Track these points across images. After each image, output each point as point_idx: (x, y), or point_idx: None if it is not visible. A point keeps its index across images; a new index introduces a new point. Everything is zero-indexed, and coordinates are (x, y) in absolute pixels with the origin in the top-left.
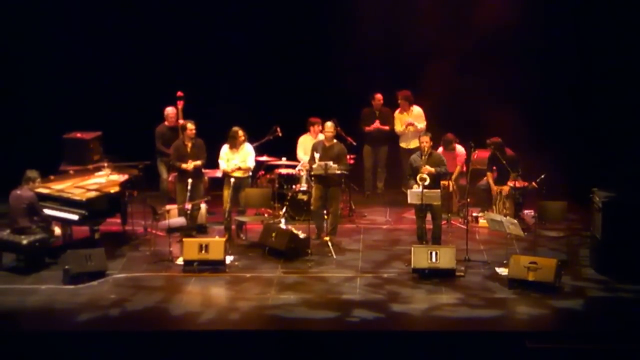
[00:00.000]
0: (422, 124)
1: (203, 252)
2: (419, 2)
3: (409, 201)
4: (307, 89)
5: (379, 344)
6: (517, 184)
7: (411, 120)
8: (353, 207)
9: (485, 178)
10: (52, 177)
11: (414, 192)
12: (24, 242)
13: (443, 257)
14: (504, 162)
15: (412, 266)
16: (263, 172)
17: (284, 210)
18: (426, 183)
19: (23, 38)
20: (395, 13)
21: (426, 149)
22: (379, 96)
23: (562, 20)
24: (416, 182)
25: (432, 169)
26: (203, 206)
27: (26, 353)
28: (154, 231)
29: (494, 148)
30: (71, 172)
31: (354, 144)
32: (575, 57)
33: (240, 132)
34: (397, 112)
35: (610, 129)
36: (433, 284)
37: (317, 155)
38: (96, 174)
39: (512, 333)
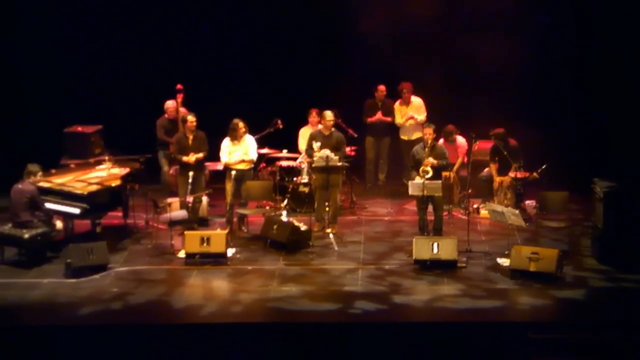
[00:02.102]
0: (421, 116)
1: (205, 244)
2: None
3: (410, 192)
4: (308, 80)
5: (381, 335)
6: (519, 175)
7: (411, 111)
8: (354, 199)
9: (487, 169)
10: (53, 171)
11: (415, 184)
12: (26, 236)
13: (444, 249)
14: (506, 153)
15: (414, 257)
16: (264, 165)
17: (285, 202)
18: (429, 176)
19: (24, 32)
20: (396, 3)
21: (429, 140)
22: (381, 87)
23: (563, 9)
24: (419, 174)
25: (435, 162)
26: (204, 199)
27: (28, 347)
28: (155, 224)
29: (498, 138)
30: (72, 165)
31: (355, 135)
32: (576, 46)
33: (241, 124)
34: (397, 103)
35: (612, 119)
36: (435, 275)
37: (317, 145)
38: (97, 167)
39: (514, 323)
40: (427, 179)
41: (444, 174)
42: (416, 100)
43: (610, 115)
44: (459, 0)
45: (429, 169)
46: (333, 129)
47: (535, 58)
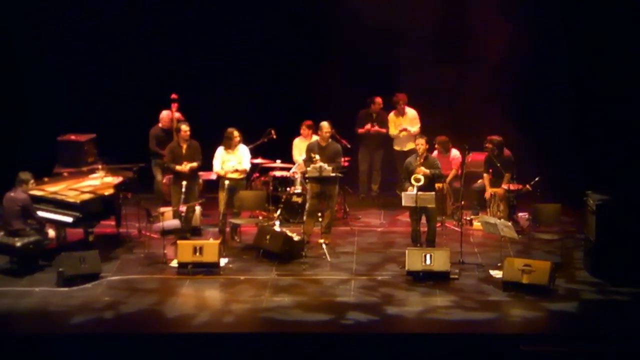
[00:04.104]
0: (415, 128)
1: (197, 254)
2: (414, 4)
3: (403, 204)
4: (302, 91)
5: (373, 346)
6: (512, 187)
7: (405, 123)
8: (347, 210)
9: (480, 180)
10: (46, 179)
11: (409, 195)
12: (18, 244)
13: (437, 260)
14: (498, 164)
15: (407, 269)
16: (257, 175)
17: (278, 212)
18: (420, 184)
19: (18, 42)
20: (389, 15)
21: (421, 151)
22: (378, 100)
23: (557, 23)
24: (411, 184)
25: (427, 171)
26: (197, 208)
27: (20, 356)
28: (148, 233)
29: (493, 145)
30: (65, 174)
31: (349, 146)
32: (571, 60)
33: (236, 133)
34: (391, 114)
35: (605, 132)
36: (427, 286)
37: (316, 157)
38: (90, 176)
39: (507, 336)
40: (420, 189)
41: (437, 185)
42: (410, 112)
43: (604, 128)
44: (453, 12)
45: (420, 176)
46: (330, 140)
47: (529, 70)
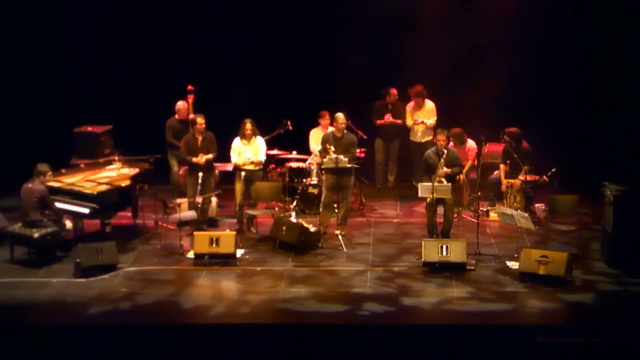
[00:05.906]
0: (431, 120)
1: (214, 245)
2: None
3: (419, 195)
4: (318, 82)
5: (390, 337)
6: (528, 178)
7: (422, 115)
8: (364, 201)
9: (497, 172)
10: (63, 171)
11: (425, 186)
12: (36, 235)
13: (454, 251)
14: (515, 155)
15: (423, 260)
16: (274, 166)
17: (294, 203)
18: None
19: (33, 31)
20: (405, 7)
21: (442, 147)
22: (394, 91)
23: (571, 12)
24: (429, 178)
25: (449, 170)
26: (214, 200)
27: (37, 346)
28: (164, 225)
29: (510, 137)
30: (82, 165)
31: (365, 137)
32: (585, 50)
33: (248, 125)
34: (409, 105)
35: (622, 122)
36: (444, 277)
37: (333, 148)
38: (107, 167)
39: (523, 327)
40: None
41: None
42: (429, 104)
43: (621, 118)
44: (467, 6)
45: (443, 180)
46: (345, 131)
47: (545, 59)
